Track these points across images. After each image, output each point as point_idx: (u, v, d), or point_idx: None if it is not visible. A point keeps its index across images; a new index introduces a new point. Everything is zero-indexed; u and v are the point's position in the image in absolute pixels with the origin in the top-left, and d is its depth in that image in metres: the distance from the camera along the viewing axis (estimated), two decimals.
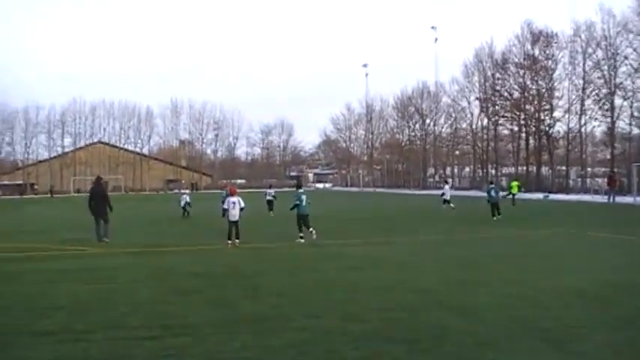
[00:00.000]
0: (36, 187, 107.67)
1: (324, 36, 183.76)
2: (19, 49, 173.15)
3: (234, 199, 19.54)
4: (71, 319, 9.27)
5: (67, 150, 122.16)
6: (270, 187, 35.72)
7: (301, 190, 20.88)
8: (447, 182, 41.85)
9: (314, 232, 20.13)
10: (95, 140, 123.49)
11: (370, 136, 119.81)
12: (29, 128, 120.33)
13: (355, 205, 48.15)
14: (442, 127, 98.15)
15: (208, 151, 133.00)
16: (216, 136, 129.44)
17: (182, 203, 33.18)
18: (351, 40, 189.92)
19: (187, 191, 34.91)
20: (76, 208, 36.27)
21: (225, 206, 19.58)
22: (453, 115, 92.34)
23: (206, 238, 21.24)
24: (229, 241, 19.19)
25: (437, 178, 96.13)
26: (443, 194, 36.70)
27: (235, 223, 19.32)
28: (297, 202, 20.30)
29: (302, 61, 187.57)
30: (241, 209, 19.52)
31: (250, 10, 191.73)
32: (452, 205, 35.57)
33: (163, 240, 21.10)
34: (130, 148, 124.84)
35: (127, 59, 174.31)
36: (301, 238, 19.97)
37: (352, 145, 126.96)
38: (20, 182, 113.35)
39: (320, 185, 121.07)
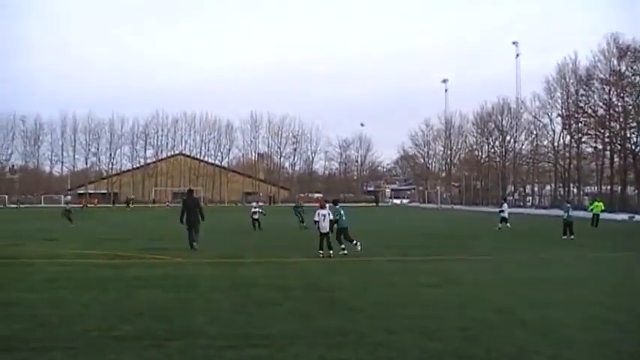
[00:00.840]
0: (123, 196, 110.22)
1: (404, 51, 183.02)
2: (105, 64, 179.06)
3: (324, 211, 20.01)
4: (153, 325, 9.48)
5: (149, 161, 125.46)
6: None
7: (338, 206, 21.39)
8: (505, 200, 40.81)
9: (359, 244, 20.49)
10: (176, 152, 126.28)
11: (449, 152, 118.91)
12: (114, 139, 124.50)
13: (431, 222, 47.66)
14: (522, 144, 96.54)
15: (286, 165, 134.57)
16: (295, 149, 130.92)
17: (254, 216, 33.26)
18: (431, 55, 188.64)
19: (257, 204, 34.84)
20: (157, 218, 37.06)
21: (316, 218, 19.90)
22: (534, 132, 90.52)
23: (282, 251, 21.40)
24: (321, 252, 19.64)
25: (516, 195, 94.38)
26: (501, 212, 35.91)
27: (326, 234, 19.82)
28: (338, 217, 20.71)
29: (382, 75, 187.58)
30: (331, 221, 20.12)
31: (331, 27, 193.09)
32: (508, 224, 34.94)
33: (241, 251, 21.34)
34: (210, 160, 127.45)
35: (208, 73, 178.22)
36: (343, 249, 20.32)
37: (430, 161, 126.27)
38: (105, 191, 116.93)
39: (397, 201, 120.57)
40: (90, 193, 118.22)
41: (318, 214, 20.05)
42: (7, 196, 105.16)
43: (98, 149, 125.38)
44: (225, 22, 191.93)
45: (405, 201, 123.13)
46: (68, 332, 9.04)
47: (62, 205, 33.00)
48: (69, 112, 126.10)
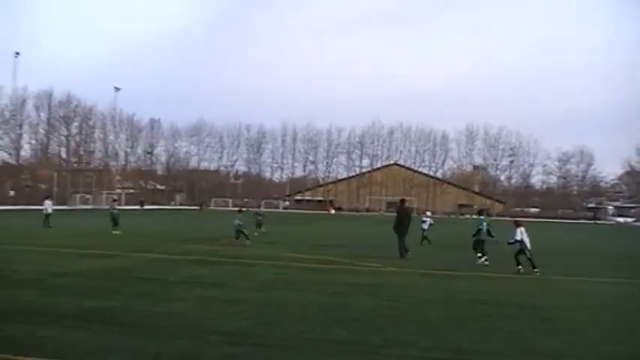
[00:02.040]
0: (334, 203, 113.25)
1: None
2: (323, 76, 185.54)
3: (522, 229, 19.52)
4: (367, 332, 9.61)
5: (364, 170, 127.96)
6: (240, 211, 31.90)
7: (482, 217, 22.65)
8: None
9: (484, 260, 21.19)
10: (391, 162, 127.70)
11: None
12: (331, 149, 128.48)
13: None
14: None
15: (502, 178, 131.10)
16: (511, 162, 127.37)
17: (424, 227, 31.30)
18: None
19: (428, 215, 33.19)
20: (369, 226, 37.56)
21: (518, 237, 19.28)
22: None
23: (493, 265, 20.76)
24: (519, 267, 19.08)
25: None
26: None
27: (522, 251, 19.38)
28: (480, 228, 21.92)
29: (611, 86, 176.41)
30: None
31: (555, 32, 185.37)
32: None
33: (453, 264, 21.07)
34: (424, 171, 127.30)
35: (424, 84, 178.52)
36: (480, 258, 21.33)
37: None
38: (321, 198, 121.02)
39: (621, 219, 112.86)
40: (307, 200, 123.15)
41: (521, 232, 19.42)
42: (230, 200, 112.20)
43: (316, 158, 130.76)
44: (442, 33, 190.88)
45: (629, 219, 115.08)
46: (285, 332, 9.42)
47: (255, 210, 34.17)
48: (289, 122, 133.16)
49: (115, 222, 32.56)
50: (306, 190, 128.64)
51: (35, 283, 13.69)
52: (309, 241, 30.79)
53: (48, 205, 37.21)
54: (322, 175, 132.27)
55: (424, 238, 30.16)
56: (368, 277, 16.82)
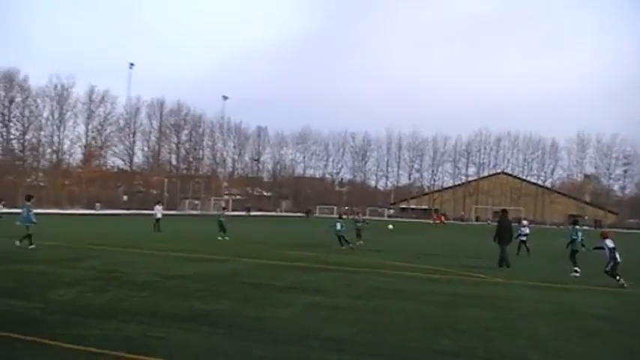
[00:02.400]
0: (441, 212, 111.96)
1: None
2: (425, 84, 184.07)
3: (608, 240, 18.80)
4: (473, 343, 9.44)
5: (470, 179, 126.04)
6: (341, 217, 31.12)
7: (577, 227, 22.35)
8: None
9: (575, 270, 20.93)
10: (498, 171, 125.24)
11: None
12: (436, 157, 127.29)
13: None
14: None
15: (615, 187, 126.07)
16: (625, 171, 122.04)
17: (522, 237, 30.19)
18: None
19: (525, 224, 31.66)
20: (477, 235, 36.96)
21: (611, 245, 18.52)
22: None
23: (604, 278, 19.91)
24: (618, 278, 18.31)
25: None
26: None
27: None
28: (574, 237, 21.85)
29: None
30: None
31: None
32: None
33: (563, 276, 20.41)
34: (533, 180, 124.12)
35: (532, 92, 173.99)
36: (576, 272, 20.83)
37: None
38: (426, 207, 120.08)
39: None
40: (412, 208, 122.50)
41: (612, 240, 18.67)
42: (335, 207, 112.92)
43: (421, 166, 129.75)
44: (551, 38, 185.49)
45: None
46: (390, 341, 9.37)
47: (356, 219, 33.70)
48: (395, 130, 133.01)
49: (221, 228, 33.32)
50: (411, 199, 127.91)
51: (147, 285, 14.20)
52: (415, 250, 30.62)
53: (158, 210, 38.58)
54: (427, 184, 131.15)
55: (521, 248, 29.49)
56: (474, 288, 16.54)
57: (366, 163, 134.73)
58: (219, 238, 32.38)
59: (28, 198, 23.64)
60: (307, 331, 9.80)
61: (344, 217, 33.74)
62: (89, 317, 10.16)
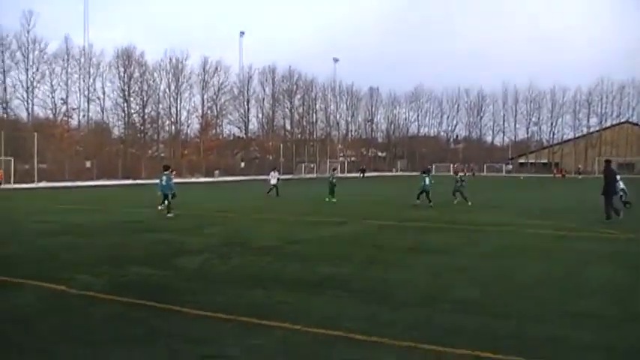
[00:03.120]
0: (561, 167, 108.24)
1: None
2: (547, 34, 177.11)
3: None
4: (606, 304, 9.03)
5: (592, 130, 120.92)
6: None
7: None
8: None
9: None
10: (622, 120, 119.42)
11: None
12: (555, 109, 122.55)
13: None
14: None
15: None
16: None
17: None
18: None
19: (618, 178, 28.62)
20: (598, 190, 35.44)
21: None
22: None
23: None
24: None
25: None
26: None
27: None
28: None
29: None
30: None
31: None
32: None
33: None
34: None
35: None
36: None
37: None
38: (545, 161, 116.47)
39: None
40: (531, 163, 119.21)
41: None
42: (451, 165, 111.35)
43: (539, 119, 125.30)
44: None
45: None
46: (518, 303, 9.12)
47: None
48: (510, 83, 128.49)
49: (331, 190, 33.35)
50: (530, 153, 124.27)
51: (270, 250, 14.41)
52: (536, 206, 29.67)
53: (273, 177, 39.17)
54: (546, 137, 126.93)
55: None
56: (603, 245, 15.81)
57: (481, 118, 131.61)
58: (327, 200, 32.60)
59: (166, 168, 25.07)
60: (433, 293, 9.66)
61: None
62: (215, 283, 10.40)
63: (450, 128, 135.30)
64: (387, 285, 10.25)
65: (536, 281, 10.79)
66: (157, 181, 25.88)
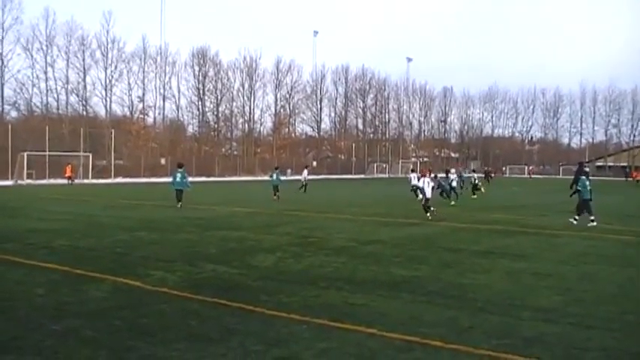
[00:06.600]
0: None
1: None
2: (624, 36, 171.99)
3: None
4: None
5: None
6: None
7: None
8: None
9: None
10: None
11: None
12: (636, 110, 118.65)
13: None
14: None
15: None
16: None
17: None
18: None
19: None
20: None
21: None
22: None
23: None
24: None
25: None
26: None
27: None
28: None
29: None
30: None
31: None
32: None
33: None
34: None
35: None
36: None
37: None
38: (624, 164, 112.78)
39: None
40: (609, 166, 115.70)
41: None
42: (526, 167, 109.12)
43: (619, 120, 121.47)
44: None
45: None
46: (604, 312, 8.70)
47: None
48: (588, 84, 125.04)
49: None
50: (608, 156, 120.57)
51: (344, 251, 14.28)
52: (618, 210, 28.62)
53: (304, 175, 41.26)
54: (626, 140, 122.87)
55: None
56: None
57: (557, 119, 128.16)
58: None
59: (180, 165, 27.82)
60: (512, 299, 9.33)
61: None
62: (289, 283, 10.31)
63: (525, 129, 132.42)
64: (463, 289, 9.97)
65: (621, 289, 10.38)
66: (171, 179, 28.19)
